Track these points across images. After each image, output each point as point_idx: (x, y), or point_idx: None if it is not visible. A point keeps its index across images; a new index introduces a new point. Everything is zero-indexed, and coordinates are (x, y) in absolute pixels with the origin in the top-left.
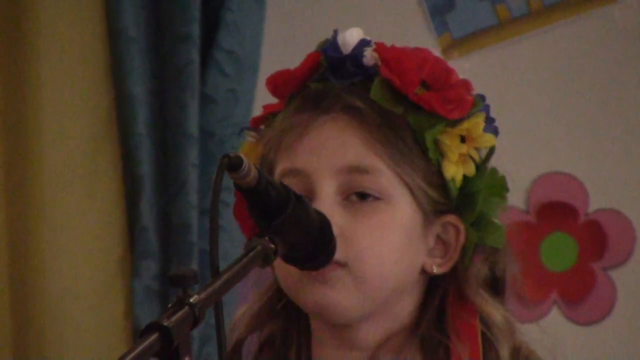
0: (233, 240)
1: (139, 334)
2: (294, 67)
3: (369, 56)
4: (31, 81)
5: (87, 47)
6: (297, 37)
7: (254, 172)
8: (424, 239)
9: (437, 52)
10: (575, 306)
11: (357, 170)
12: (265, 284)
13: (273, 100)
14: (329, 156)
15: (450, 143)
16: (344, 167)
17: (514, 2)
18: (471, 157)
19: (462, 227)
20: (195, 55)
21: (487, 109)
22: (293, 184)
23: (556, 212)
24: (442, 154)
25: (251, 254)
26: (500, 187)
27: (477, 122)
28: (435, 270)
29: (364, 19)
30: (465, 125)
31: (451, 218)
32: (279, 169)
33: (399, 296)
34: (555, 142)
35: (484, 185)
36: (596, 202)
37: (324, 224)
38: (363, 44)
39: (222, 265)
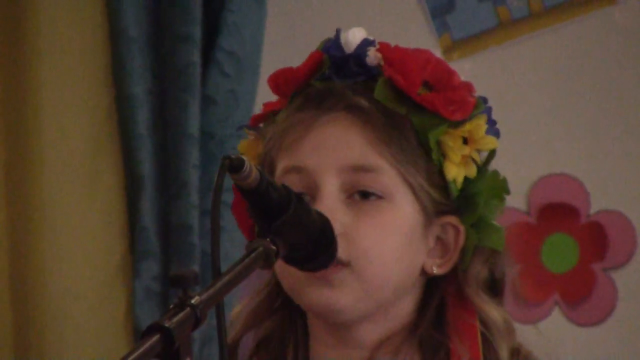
0: (234, 241)
1: (139, 334)
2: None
3: (372, 56)
4: (31, 81)
5: (87, 47)
6: (297, 37)
7: (255, 173)
8: (424, 240)
9: (437, 53)
10: (576, 307)
11: (360, 168)
12: (262, 282)
13: (274, 100)
14: (332, 154)
15: (453, 144)
16: (348, 166)
17: (515, 4)
18: (472, 159)
19: (462, 228)
20: (196, 55)
21: (489, 111)
22: (295, 181)
23: (557, 214)
24: (444, 155)
25: (252, 255)
26: (501, 189)
27: (479, 124)
28: (435, 270)
29: (364, 20)
30: (468, 126)
31: (451, 219)
32: (280, 167)
33: (400, 296)
34: (556, 143)
35: (484, 187)
36: (597, 203)
37: (325, 225)
38: (366, 43)
39: (224, 266)
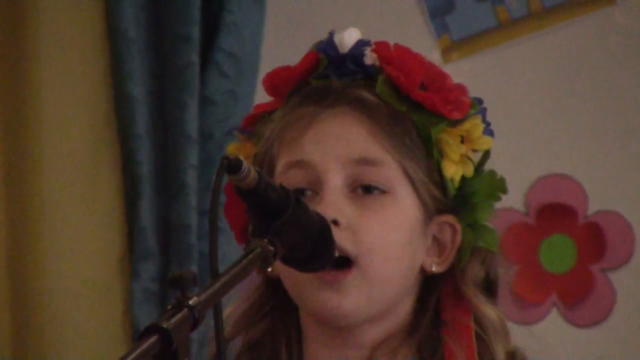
0: (232, 242)
1: (138, 335)
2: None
3: (369, 55)
4: (31, 81)
5: (87, 48)
6: (296, 37)
7: (253, 174)
8: (423, 237)
9: (436, 53)
10: (574, 308)
11: (365, 162)
12: (252, 286)
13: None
14: (336, 147)
15: (452, 142)
16: (352, 159)
17: (514, 4)
18: (469, 159)
19: (459, 227)
20: (195, 56)
21: (483, 112)
22: (298, 176)
23: (555, 214)
24: (442, 153)
25: (250, 255)
26: (498, 188)
27: (476, 124)
28: (434, 268)
29: (363, 20)
30: (466, 126)
31: (448, 218)
32: (282, 163)
33: (401, 296)
34: (554, 143)
35: (481, 186)
36: (595, 204)
37: (323, 226)
38: (361, 43)
39: (222, 267)
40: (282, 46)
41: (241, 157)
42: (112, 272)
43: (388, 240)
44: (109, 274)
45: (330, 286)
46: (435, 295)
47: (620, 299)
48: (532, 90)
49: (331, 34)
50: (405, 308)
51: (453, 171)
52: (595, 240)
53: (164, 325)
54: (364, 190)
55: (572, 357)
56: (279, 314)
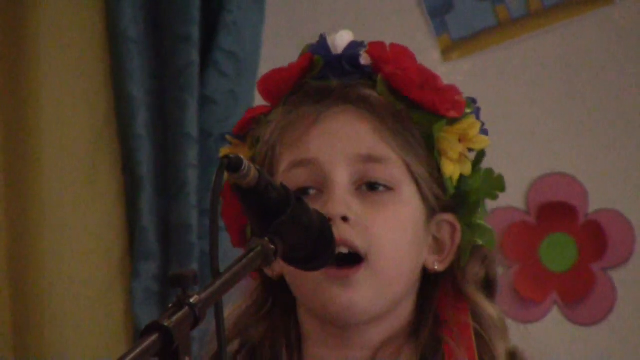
0: None
1: (139, 334)
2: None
3: (365, 56)
4: (31, 81)
5: (86, 48)
6: (296, 37)
7: (254, 173)
8: (425, 236)
9: (436, 53)
10: (575, 306)
11: (370, 158)
12: (249, 289)
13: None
14: (342, 145)
15: (451, 141)
16: (358, 156)
17: (514, 3)
18: (466, 157)
19: (458, 226)
20: (195, 56)
21: (477, 111)
22: (302, 175)
23: (556, 213)
24: (441, 152)
25: (251, 254)
26: (496, 186)
27: (473, 123)
28: (437, 266)
29: (363, 20)
30: (464, 125)
31: (448, 216)
32: (285, 163)
33: (405, 295)
34: (554, 142)
35: (478, 185)
36: (596, 203)
37: (324, 225)
38: (355, 44)
39: (222, 266)
40: (282, 46)
41: (241, 156)
42: (112, 271)
43: (397, 236)
44: (109, 273)
45: (341, 282)
46: (437, 294)
47: (620, 297)
48: (532, 90)
49: (323, 37)
50: (407, 307)
51: (452, 170)
52: (595, 238)
53: (165, 324)
54: (369, 187)
55: (572, 355)
56: (277, 315)
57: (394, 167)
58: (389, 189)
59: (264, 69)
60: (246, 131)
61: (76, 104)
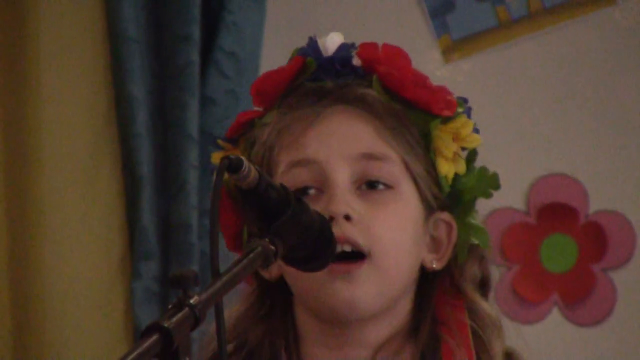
0: None
1: (139, 334)
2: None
3: (356, 57)
4: (31, 81)
5: (87, 48)
6: (297, 37)
7: (254, 173)
8: (423, 234)
9: (437, 53)
10: (575, 307)
11: (370, 157)
12: (245, 292)
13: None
14: (341, 144)
15: (446, 140)
16: (358, 155)
17: (514, 4)
18: (460, 156)
19: (454, 224)
20: (195, 56)
21: (468, 111)
22: (302, 174)
23: (556, 214)
24: (436, 151)
25: (251, 255)
26: (490, 185)
27: (466, 122)
28: (435, 265)
29: (363, 20)
30: (457, 124)
31: (444, 215)
32: (284, 164)
33: (405, 292)
34: (555, 143)
35: (472, 183)
36: (596, 204)
37: (324, 225)
38: (345, 47)
39: (222, 267)
40: (282, 46)
41: (242, 157)
42: (112, 271)
43: (398, 234)
44: (109, 273)
45: (342, 277)
46: (434, 293)
47: (621, 298)
48: (533, 90)
49: (313, 39)
50: (405, 306)
51: (447, 168)
52: (596, 239)
53: (165, 325)
54: (369, 186)
55: (573, 356)
56: (275, 317)
57: (393, 166)
58: (389, 187)
59: (264, 69)
60: (238, 135)
61: (76, 104)
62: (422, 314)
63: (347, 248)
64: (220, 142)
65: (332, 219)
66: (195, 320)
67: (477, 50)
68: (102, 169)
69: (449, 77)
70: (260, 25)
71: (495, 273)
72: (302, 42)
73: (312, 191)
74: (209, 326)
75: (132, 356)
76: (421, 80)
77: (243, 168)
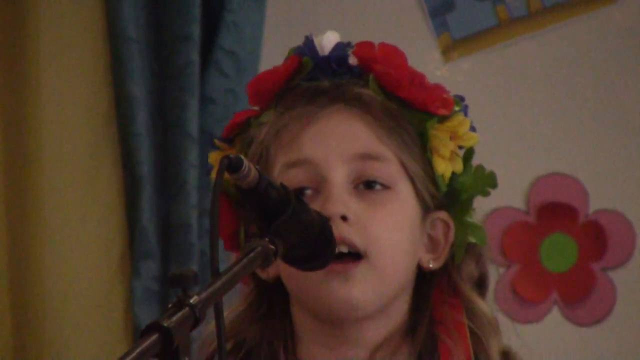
0: None
1: (139, 334)
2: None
3: (353, 56)
4: (31, 81)
5: (87, 48)
6: (297, 37)
7: (254, 173)
8: (421, 234)
9: (436, 53)
10: (575, 307)
11: (367, 157)
12: (243, 292)
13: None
14: (338, 144)
15: (443, 139)
16: (355, 154)
17: (514, 3)
18: (457, 155)
19: (451, 223)
20: (195, 55)
21: (465, 109)
22: (298, 175)
23: (556, 213)
24: (433, 150)
25: (251, 254)
26: (487, 183)
27: (463, 120)
28: (432, 264)
29: (363, 20)
30: (454, 123)
31: (441, 214)
32: (280, 163)
33: (402, 292)
34: (555, 142)
35: (470, 182)
36: (596, 203)
37: (324, 224)
38: (341, 46)
39: (222, 266)
40: (282, 46)
41: (242, 156)
42: (112, 271)
43: (395, 234)
44: (109, 273)
45: (339, 276)
46: (431, 292)
47: (620, 297)
48: (532, 89)
49: (309, 38)
50: (402, 306)
51: (444, 167)
52: (596, 239)
53: (165, 324)
54: (366, 186)
55: (572, 356)
56: (273, 317)
57: (390, 165)
58: (386, 187)
59: (264, 68)
60: (234, 135)
61: (76, 103)
62: (419, 314)
63: (344, 249)
64: (216, 141)
65: (328, 219)
66: (195, 320)
67: (477, 50)
68: (102, 169)
69: (449, 77)
70: (260, 24)
71: (495, 272)
72: (302, 42)
73: (308, 192)
74: (208, 326)
75: (132, 356)
76: (418, 79)
77: (243, 167)
